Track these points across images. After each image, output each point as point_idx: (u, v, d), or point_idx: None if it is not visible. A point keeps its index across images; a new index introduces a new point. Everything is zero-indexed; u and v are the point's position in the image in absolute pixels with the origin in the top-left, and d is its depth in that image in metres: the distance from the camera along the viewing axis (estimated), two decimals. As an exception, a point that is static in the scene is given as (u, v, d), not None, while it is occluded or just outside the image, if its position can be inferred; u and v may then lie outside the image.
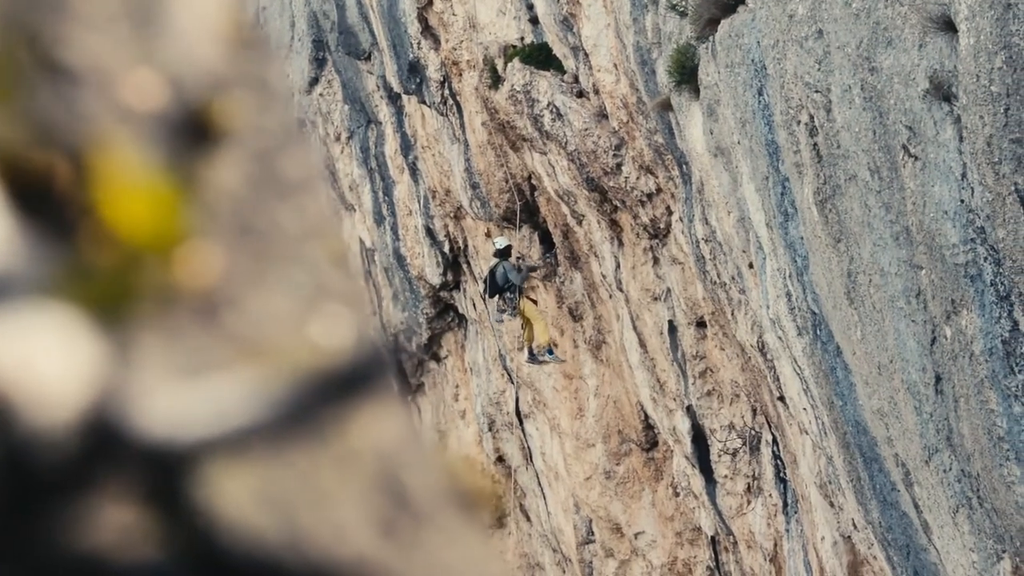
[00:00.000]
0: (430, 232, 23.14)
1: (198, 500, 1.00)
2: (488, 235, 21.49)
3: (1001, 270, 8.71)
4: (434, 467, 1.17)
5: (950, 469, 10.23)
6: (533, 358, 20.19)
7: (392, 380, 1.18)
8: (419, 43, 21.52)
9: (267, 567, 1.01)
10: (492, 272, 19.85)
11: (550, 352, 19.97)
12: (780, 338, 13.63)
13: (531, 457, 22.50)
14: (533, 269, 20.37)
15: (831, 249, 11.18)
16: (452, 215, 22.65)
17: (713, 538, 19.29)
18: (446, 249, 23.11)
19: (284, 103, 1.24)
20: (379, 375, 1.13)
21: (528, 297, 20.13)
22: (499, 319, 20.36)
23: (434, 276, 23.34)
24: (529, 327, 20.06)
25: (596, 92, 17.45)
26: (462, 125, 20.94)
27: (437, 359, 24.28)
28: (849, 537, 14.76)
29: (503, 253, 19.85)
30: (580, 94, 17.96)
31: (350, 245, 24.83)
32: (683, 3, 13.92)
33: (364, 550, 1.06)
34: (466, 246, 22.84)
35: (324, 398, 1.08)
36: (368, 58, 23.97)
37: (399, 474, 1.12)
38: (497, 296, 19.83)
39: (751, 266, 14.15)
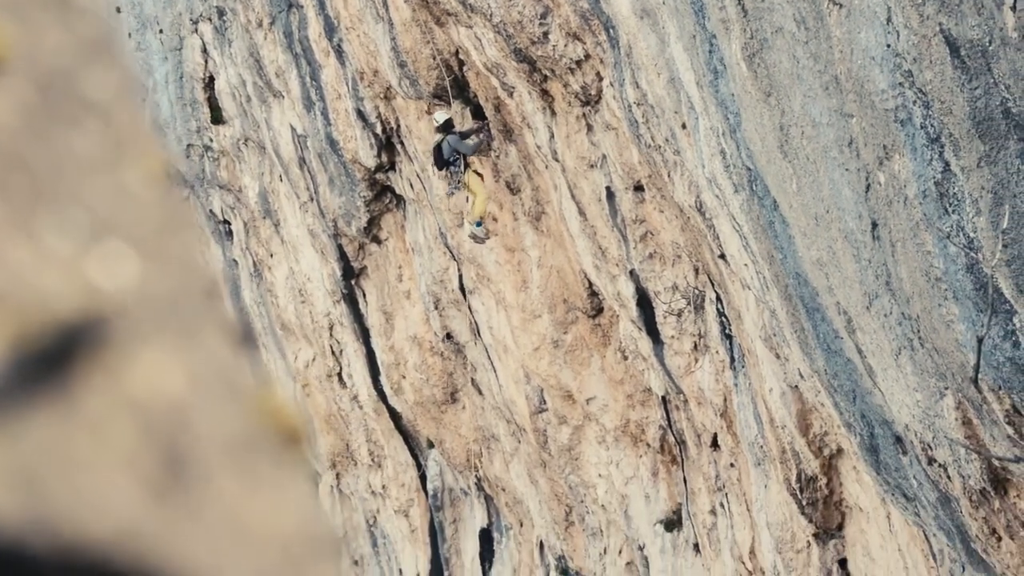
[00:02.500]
0: (361, 115, 22.93)
1: None
2: (429, 112, 21.32)
3: (930, 113, 8.76)
4: (234, 412, 1.06)
5: (891, 313, 10.38)
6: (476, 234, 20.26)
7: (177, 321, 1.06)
8: (335, -78, 21.14)
9: (8, 552, 0.88)
10: (438, 147, 19.78)
11: (478, 224, 20.01)
12: (717, 196, 13.69)
13: (479, 332, 22.61)
14: (477, 132, 20.21)
15: (762, 104, 11.18)
16: (382, 96, 22.43)
17: (664, 398, 19.54)
18: (378, 131, 22.93)
19: (88, 18, 1.12)
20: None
21: (475, 171, 20.05)
22: (450, 193, 20.38)
23: (368, 158, 23.17)
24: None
25: (518, -39, 17.24)
26: (385, 3, 20.66)
27: (378, 241, 24.23)
28: (796, 387, 15.01)
29: (445, 127, 19.75)
30: (502, -36, 17.73)
31: (281, 134, 24.61)
32: None
33: (128, 522, 0.94)
34: (399, 126, 22.67)
35: (60, 356, 0.95)
36: (284, -59, 23.53)
37: (183, 426, 1.00)
38: (445, 170, 19.81)
39: (684, 127, 14.15)
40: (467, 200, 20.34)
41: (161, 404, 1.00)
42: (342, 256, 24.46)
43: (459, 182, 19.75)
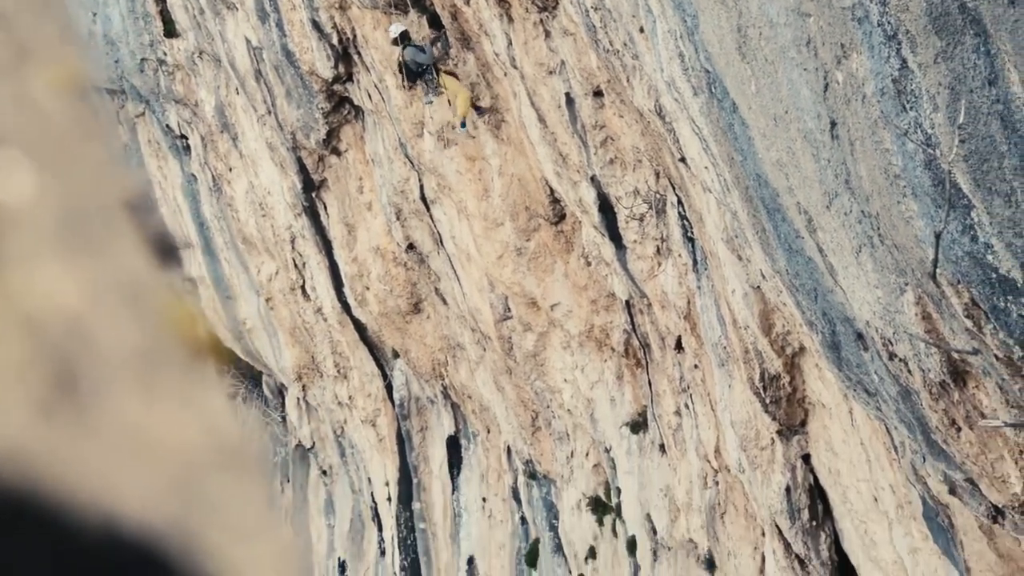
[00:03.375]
0: (316, 25, 22.71)
1: None
2: (390, 14, 21.11)
3: (887, 10, 8.78)
4: (139, 325, 1.02)
5: (851, 212, 10.47)
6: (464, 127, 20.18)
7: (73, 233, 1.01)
8: None
9: None
10: (403, 62, 19.60)
11: (463, 125, 19.93)
12: (676, 100, 13.69)
13: (441, 242, 22.63)
14: (434, 41, 20.05)
15: (719, 5, 11.17)
16: (337, 5, 22.22)
17: (627, 302, 19.66)
18: (335, 41, 22.74)
19: None
20: None
21: (447, 72, 19.91)
22: (428, 102, 20.24)
23: (325, 70, 23.00)
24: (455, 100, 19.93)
25: None
26: (338, -88, 20.40)
27: (338, 153, 24.13)
28: (758, 287, 15.13)
29: (403, 39, 19.58)
30: None
31: (236, 46, 24.37)
32: None
33: (15, 439, 0.90)
34: (355, 36, 22.49)
35: None
36: None
37: (82, 341, 0.95)
38: (418, 81, 19.65)
39: (642, 30, 14.11)
40: (449, 104, 20.20)
41: (57, 319, 0.95)
42: (302, 169, 24.36)
43: (435, 87, 19.61)
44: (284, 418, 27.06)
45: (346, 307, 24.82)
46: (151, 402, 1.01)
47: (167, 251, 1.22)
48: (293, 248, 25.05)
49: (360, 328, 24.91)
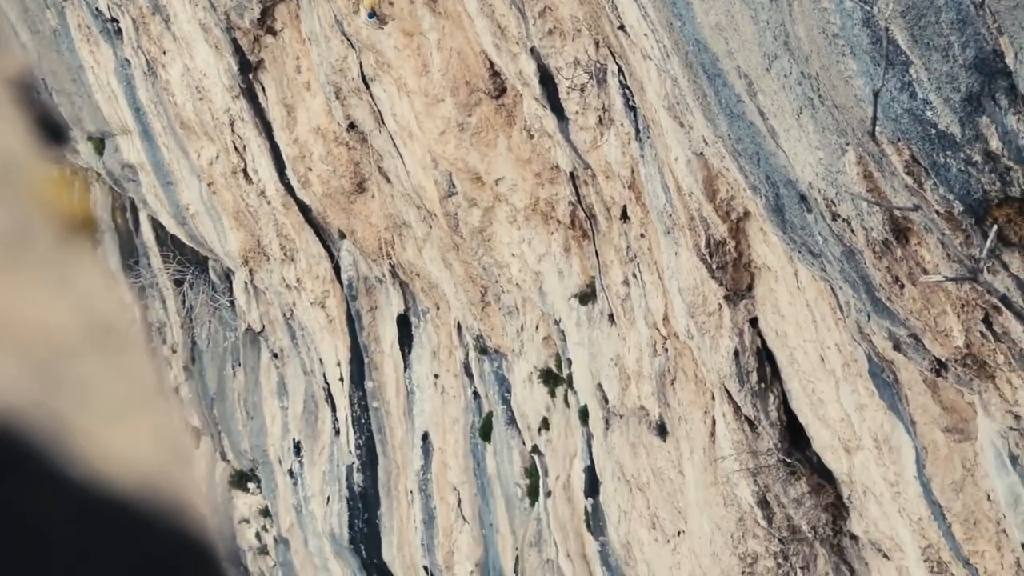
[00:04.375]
0: (246, -98, 22.23)
1: None
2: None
3: None
4: (4, 203, 0.99)
5: (790, 73, 10.43)
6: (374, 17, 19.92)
7: None
8: None
9: None
10: None
11: (371, 16, 19.67)
12: (614, -35, 13.54)
13: (383, 120, 22.44)
14: None
15: None
16: None
17: (572, 174, 19.63)
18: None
19: None
20: None
21: None
22: None
23: (257, -52, 22.56)
24: None
25: None
26: None
27: (273, 33, 23.77)
28: (701, 154, 15.13)
29: None
30: None
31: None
32: None
33: None
34: (285, -88, 22.04)
35: None
36: None
37: None
38: None
39: None
40: None
41: None
42: (237, 50, 23.99)
43: None
44: (232, 303, 27.00)
45: (289, 189, 24.65)
46: (18, 283, 0.98)
47: (54, 131, 1.18)
48: (233, 131, 24.77)
49: (305, 210, 24.77)
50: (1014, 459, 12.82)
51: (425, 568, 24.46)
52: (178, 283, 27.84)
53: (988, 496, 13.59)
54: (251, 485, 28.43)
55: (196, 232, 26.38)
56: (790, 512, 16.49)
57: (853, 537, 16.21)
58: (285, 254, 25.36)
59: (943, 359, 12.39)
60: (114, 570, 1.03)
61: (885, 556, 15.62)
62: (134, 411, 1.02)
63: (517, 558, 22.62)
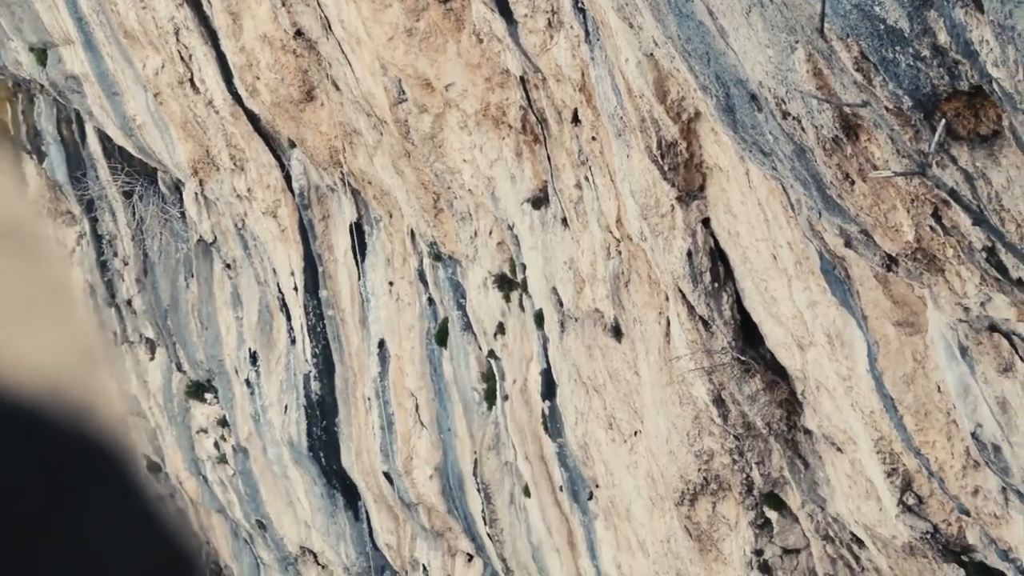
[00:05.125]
0: None
1: None
2: None
3: None
4: None
5: (739, -29, 10.39)
6: None
7: None
8: None
9: None
10: None
11: None
12: None
13: (330, 27, 22.20)
14: None
15: None
16: None
17: (522, 78, 19.53)
18: None
19: None
20: None
21: None
22: None
23: None
24: None
25: None
26: None
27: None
28: (651, 55, 15.08)
29: None
30: None
31: None
32: None
33: None
34: None
35: None
36: None
37: None
38: None
39: None
40: None
41: None
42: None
43: None
44: (183, 214, 26.82)
45: (237, 98, 24.40)
46: None
47: None
48: (178, 40, 24.45)
49: (253, 119, 24.55)
50: (964, 350, 13.01)
51: (384, 474, 24.64)
52: (127, 195, 27.60)
53: (938, 387, 13.80)
54: (208, 395, 28.46)
55: (144, 143, 26.11)
56: (745, 409, 16.70)
57: (807, 432, 16.45)
58: (235, 164, 25.18)
59: (894, 254, 12.51)
60: (18, 471, 1.03)
61: (838, 449, 15.87)
62: (40, 315, 1.02)
63: (476, 461, 22.82)
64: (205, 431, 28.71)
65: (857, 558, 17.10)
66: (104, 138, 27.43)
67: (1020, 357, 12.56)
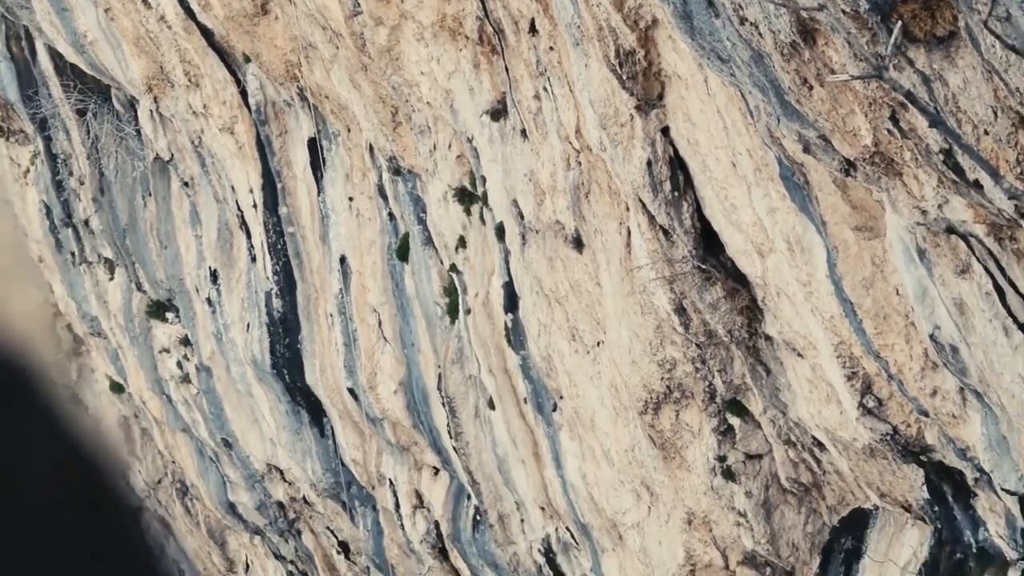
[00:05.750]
0: None
1: None
2: None
3: None
4: None
5: None
6: None
7: None
8: None
9: None
10: None
11: None
12: None
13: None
14: None
15: None
16: None
17: (478, -12, 19.32)
18: None
19: None
20: None
21: None
22: None
23: None
24: None
25: None
26: None
27: None
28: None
29: None
30: None
31: None
32: None
33: None
34: None
35: None
36: None
37: None
38: None
39: None
40: None
41: None
42: None
43: None
44: (139, 131, 26.53)
45: (190, 13, 24.06)
46: None
47: None
48: (128, -45, 24.05)
49: (207, 34, 24.24)
50: (921, 253, 13.08)
51: (349, 390, 24.68)
52: (81, 113, 27.25)
53: (897, 291, 13.89)
54: (169, 315, 28.35)
55: (96, 60, 25.76)
56: (706, 317, 16.76)
57: (768, 338, 16.54)
58: (190, 80, 24.88)
59: (852, 159, 12.53)
60: None
61: (799, 355, 15.98)
62: None
63: (440, 375, 22.87)
64: (167, 351, 28.63)
65: (818, 461, 17.29)
66: (55, 55, 27.04)
67: (977, 258, 12.65)
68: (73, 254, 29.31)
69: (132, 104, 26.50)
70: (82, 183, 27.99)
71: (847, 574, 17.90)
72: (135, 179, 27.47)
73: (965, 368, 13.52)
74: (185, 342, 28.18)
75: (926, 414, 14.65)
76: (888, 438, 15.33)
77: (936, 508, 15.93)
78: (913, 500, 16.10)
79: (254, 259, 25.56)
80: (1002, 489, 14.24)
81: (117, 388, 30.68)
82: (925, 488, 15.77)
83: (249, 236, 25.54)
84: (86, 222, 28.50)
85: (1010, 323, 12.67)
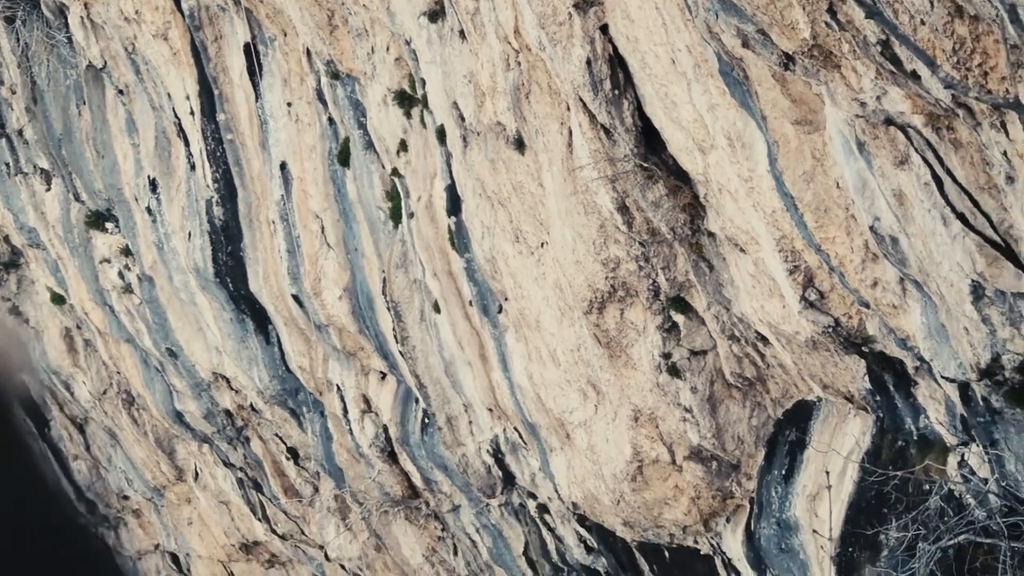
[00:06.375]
0: None
1: None
2: None
3: None
4: None
5: None
6: None
7: None
8: None
9: None
10: None
11: None
12: None
13: None
14: None
15: None
16: None
17: None
18: None
19: None
20: None
21: None
22: None
23: None
24: None
25: None
26: None
27: None
28: None
29: None
30: None
31: None
32: None
33: None
34: None
35: None
36: None
37: None
38: None
39: None
40: None
41: None
42: None
43: None
44: (70, 39, 26.09)
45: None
46: None
47: None
48: None
49: (138, -61, 23.81)
50: (860, 145, 13.14)
51: (293, 296, 24.62)
52: (9, 20, 26.74)
53: (837, 184, 13.96)
54: (109, 225, 28.09)
55: (20, -35, 25.27)
56: (649, 215, 16.81)
57: (711, 235, 16.62)
58: (121, -14, 24.45)
59: (790, 52, 12.51)
60: None
61: (742, 250, 16.07)
62: None
63: (384, 280, 22.84)
64: (108, 261, 28.41)
65: (762, 356, 17.46)
66: (-19, -36, 26.51)
67: (915, 149, 12.71)
68: (8, 165, 28.92)
69: (62, 10, 26.02)
70: (14, 92, 27.54)
71: (791, 465, 18.18)
72: (68, 87, 27.05)
73: (905, 259, 13.66)
74: (126, 252, 27.96)
75: (867, 305, 14.81)
76: (830, 330, 15.50)
77: (878, 397, 16.16)
78: (855, 390, 16.32)
79: (193, 167, 25.33)
80: (942, 376, 14.46)
81: (58, 299, 30.47)
82: (867, 378, 15.98)
83: (187, 144, 25.27)
84: (20, 132, 28.09)
85: (948, 212, 12.78)
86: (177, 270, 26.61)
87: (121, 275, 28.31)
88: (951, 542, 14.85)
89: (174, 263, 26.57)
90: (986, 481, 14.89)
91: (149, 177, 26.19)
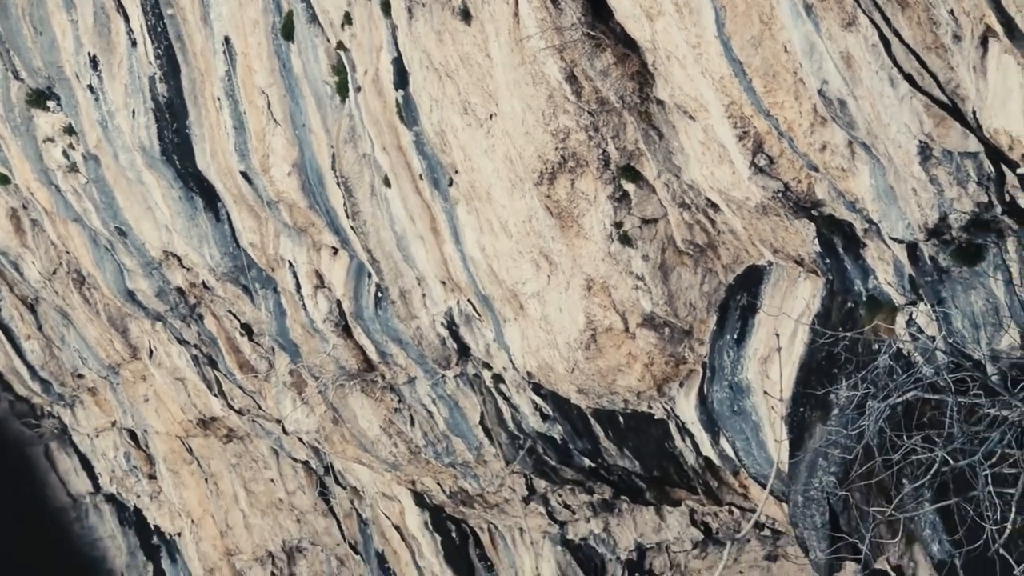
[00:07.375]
0: None
1: None
2: None
3: None
4: None
5: None
6: None
7: None
8: None
9: None
10: None
11: None
12: None
13: None
14: None
15: None
16: None
17: None
18: None
19: None
20: None
21: None
22: None
23: None
24: None
25: None
26: None
27: None
28: None
29: None
30: None
31: None
32: None
33: None
34: None
35: None
36: None
37: None
38: None
39: None
40: None
41: None
42: None
43: None
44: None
45: None
46: None
47: None
48: None
49: None
50: (808, 8, 13.08)
51: (242, 173, 24.44)
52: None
53: (785, 48, 13.92)
54: (51, 103, 27.68)
55: None
56: (598, 84, 16.73)
57: (660, 103, 16.57)
58: None
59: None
60: None
61: (691, 118, 16.05)
62: None
63: (333, 156, 22.69)
64: (52, 140, 28.04)
65: (713, 222, 17.55)
66: None
67: (863, 10, 12.67)
68: (-59, 44, 28.39)
69: None
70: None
71: (743, 329, 18.38)
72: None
73: (853, 121, 13.70)
74: (70, 131, 27.60)
75: (816, 169, 14.88)
76: (780, 195, 15.58)
77: (827, 260, 16.31)
78: (805, 254, 16.46)
79: (134, 43, 24.92)
80: (890, 238, 14.60)
81: (3, 180, 30.12)
82: (817, 241, 16.11)
83: (127, 19, 24.83)
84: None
85: (896, 73, 12.79)
86: (123, 148, 26.31)
87: (66, 154, 27.98)
88: (900, 399, 15.11)
89: (119, 141, 26.26)
90: (933, 339, 15.12)
91: (89, 54, 25.75)
